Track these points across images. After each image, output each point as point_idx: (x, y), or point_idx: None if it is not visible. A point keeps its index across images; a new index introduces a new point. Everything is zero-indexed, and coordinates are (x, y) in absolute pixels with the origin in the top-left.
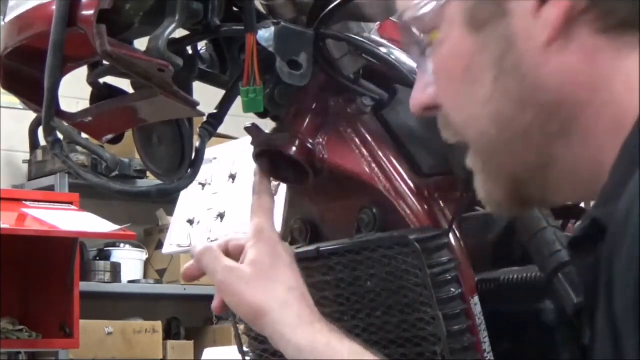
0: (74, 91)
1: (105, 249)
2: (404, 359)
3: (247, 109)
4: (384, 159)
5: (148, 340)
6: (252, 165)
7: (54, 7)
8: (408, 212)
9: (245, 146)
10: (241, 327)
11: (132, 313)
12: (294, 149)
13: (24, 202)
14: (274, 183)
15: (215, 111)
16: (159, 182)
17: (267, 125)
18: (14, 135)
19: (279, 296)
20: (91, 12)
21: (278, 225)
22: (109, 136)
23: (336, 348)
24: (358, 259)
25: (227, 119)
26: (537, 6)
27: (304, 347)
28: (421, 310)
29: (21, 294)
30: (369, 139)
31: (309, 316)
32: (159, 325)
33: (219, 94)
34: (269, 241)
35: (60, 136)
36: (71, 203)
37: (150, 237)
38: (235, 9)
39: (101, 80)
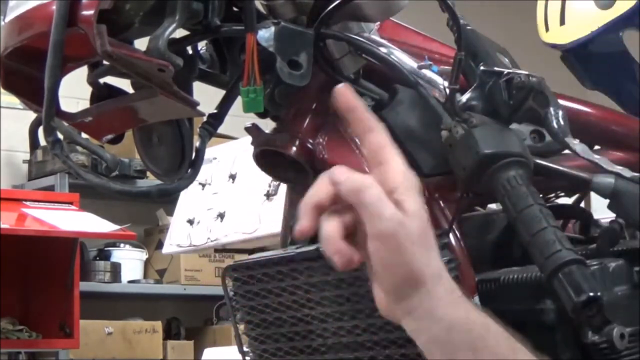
0: (74, 91)
1: (105, 249)
2: (404, 359)
3: (247, 109)
4: None
5: (148, 340)
6: (252, 165)
7: (54, 7)
8: None
9: (245, 146)
10: (241, 327)
11: (132, 313)
12: (294, 149)
13: (24, 202)
14: (274, 183)
15: (215, 111)
16: (159, 182)
17: (267, 125)
18: (14, 135)
19: (435, 266)
20: (91, 12)
21: (277, 227)
22: (109, 136)
23: (492, 328)
24: None
25: (227, 119)
26: None
27: (459, 324)
28: None
29: (21, 294)
30: None
31: (459, 291)
32: (159, 325)
33: (219, 94)
34: (417, 187)
35: (60, 136)
36: (71, 203)
37: (150, 237)
38: (235, 9)
39: (101, 80)
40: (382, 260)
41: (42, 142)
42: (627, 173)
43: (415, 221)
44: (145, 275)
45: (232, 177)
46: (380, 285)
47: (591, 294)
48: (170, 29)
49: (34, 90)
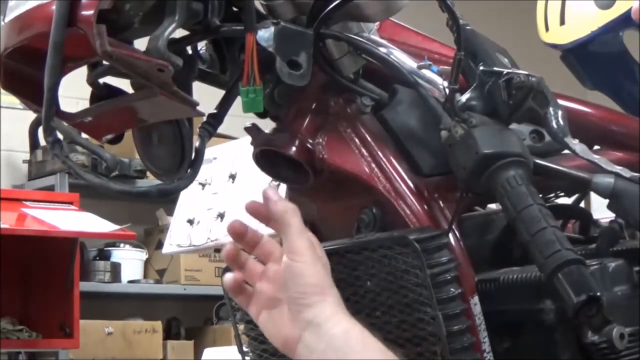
0: (74, 91)
1: (105, 249)
2: (404, 359)
3: (247, 109)
4: (384, 159)
5: (148, 340)
6: (252, 165)
7: (54, 7)
8: (408, 212)
9: (245, 146)
10: (241, 327)
11: (132, 313)
12: (294, 149)
13: (24, 202)
14: (274, 183)
15: (215, 111)
16: (159, 182)
17: (267, 125)
18: (14, 135)
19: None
20: (91, 12)
21: None
22: (109, 136)
23: (368, 342)
24: (358, 259)
25: (227, 119)
26: None
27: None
28: (421, 310)
29: (21, 294)
30: (369, 139)
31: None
32: (159, 325)
33: (219, 94)
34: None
35: (60, 136)
36: (71, 203)
37: (150, 237)
38: (235, 9)
39: (101, 80)
40: (293, 269)
41: (42, 142)
42: (627, 173)
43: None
44: (145, 275)
45: (232, 177)
46: (288, 297)
47: (591, 294)
48: (170, 29)
49: (34, 90)
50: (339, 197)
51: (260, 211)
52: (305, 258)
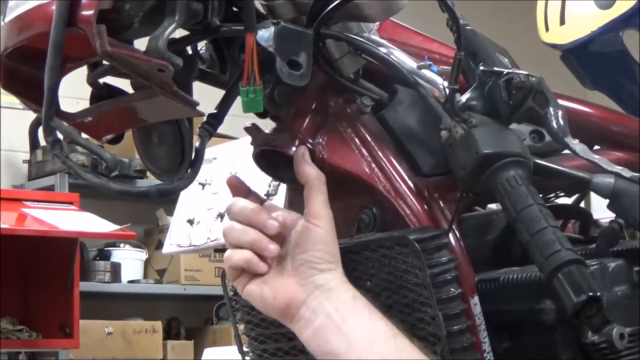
0: (74, 91)
1: (105, 249)
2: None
3: (247, 109)
4: (384, 159)
5: (148, 340)
6: (252, 165)
7: (54, 7)
8: (408, 212)
9: (245, 146)
10: (241, 327)
11: (132, 313)
12: (294, 149)
13: (24, 202)
14: (274, 183)
15: (215, 111)
16: (159, 182)
17: (267, 125)
18: (14, 135)
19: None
20: (91, 12)
21: None
22: (109, 136)
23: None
24: (358, 259)
25: (227, 119)
26: None
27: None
28: (421, 310)
29: (21, 294)
30: (369, 139)
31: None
32: (159, 325)
33: (219, 94)
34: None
35: (60, 136)
36: (71, 203)
37: (150, 237)
38: (235, 9)
39: (101, 80)
40: (315, 233)
41: (42, 142)
42: (627, 173)
43: None
44: (145, 275)
45: None
46: (301, 258)
47: (591, 294)
48: (170, 29)
49: (34, 90)
50: (339, 197)
51: (241, 187)
52: (328, 226)
